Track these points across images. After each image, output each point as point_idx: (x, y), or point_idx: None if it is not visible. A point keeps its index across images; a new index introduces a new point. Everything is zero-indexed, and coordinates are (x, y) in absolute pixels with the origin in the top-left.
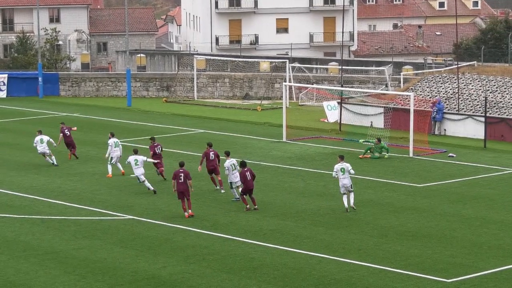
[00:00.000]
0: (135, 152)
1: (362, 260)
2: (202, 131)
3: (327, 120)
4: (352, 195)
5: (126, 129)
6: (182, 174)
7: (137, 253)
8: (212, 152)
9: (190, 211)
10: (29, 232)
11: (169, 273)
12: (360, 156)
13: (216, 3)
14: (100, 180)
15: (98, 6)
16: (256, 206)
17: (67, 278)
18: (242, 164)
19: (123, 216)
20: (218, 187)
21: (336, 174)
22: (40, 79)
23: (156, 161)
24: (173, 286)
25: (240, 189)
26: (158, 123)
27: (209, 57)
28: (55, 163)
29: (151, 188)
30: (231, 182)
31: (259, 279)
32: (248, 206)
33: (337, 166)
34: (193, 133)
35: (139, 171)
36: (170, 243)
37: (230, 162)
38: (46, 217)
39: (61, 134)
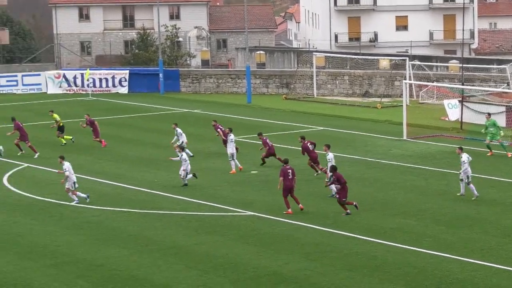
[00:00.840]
0: (182, 149)
1: (485, 260)
2: (322, 128)
3: (448, 119)
4: (472, 185)
5: (246, 125)
6: (290, 171)
7: (258, 250)
8: (309, 143)
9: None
10: (151, 227)
11: (290, 270)
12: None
13: (335, 0)
14: (221, 176)
15: (218, 3)
16: (355, 203)
17: (189, 273)
18: (334, 168)
19: (244, 212)
20: (319, 172)
21: (464, 163)
22: (161, 75)
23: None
24: (295, 283)
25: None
26: (278, 120)
27: (328, 54)
28: (191, 154)
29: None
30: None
31: (381, 277)
32: (349, 210)
33: (465, 157)
34: (312, 131)
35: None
36: (291, 239)
37: (331, 154)
38: (169, 212)
39: (220, 131)
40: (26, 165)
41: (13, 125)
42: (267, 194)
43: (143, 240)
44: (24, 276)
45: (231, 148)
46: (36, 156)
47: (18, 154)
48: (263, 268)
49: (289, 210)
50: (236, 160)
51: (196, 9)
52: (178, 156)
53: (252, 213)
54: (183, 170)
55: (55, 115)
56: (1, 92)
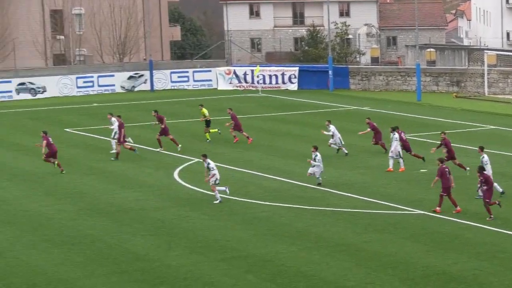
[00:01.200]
0: (316, 148)
1: None
2: (493, 127)
3: None
4: None
5: (416, 123)
6: (447, 170)
7: (428, 249)
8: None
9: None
10: (320, 224)
11: (459, 270)
12: None
13: None
14: (388, 174)
15: (388, 1)
16: (498, 201)
17: (358, 270)
18: (481, 169)
19: (413, 211)
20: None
21: None
22: (330, 72)
23: None
24: (463, 283)
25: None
26: (448, 119)
27: (500, 52)
28: (346, 151)
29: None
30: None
31: None
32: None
33: None
34: (483, 130)
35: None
36: (460, 239)
37: (486, 157)
38: (337, 209)
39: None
40: (196, 159)
41: (156, 117)
42: (436, 193)
43: (312, 236)
44: (194, 270)
45: (394, 147)
46: (179, 149)
47: (157, 150)
48: (432, 267)
49: (458, 208)
50: (396, 159)
51: (366, 6)
52: (313, 156)
53: (422, 212)
54: (312, 168)
55: (204, 110)
56: (173, 87)
